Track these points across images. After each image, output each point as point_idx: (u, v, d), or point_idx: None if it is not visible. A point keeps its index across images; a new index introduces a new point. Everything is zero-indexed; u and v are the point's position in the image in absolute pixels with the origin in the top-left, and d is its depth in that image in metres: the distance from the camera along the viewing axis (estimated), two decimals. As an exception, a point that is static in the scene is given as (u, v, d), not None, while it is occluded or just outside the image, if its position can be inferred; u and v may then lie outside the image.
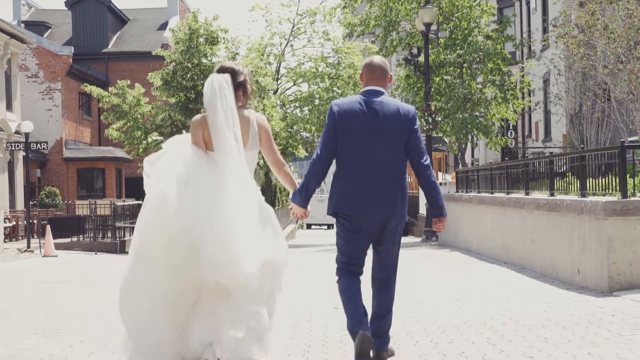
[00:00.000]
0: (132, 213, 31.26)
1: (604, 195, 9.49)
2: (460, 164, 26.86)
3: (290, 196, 5.63)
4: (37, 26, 43.32)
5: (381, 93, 5.52)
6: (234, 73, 5.41)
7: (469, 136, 24.43)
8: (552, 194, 11.18)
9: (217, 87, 5.32)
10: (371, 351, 5.33)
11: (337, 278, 5.56)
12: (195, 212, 5.07)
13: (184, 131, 27.21)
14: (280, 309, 5.30)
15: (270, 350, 5.18)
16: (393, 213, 5.42)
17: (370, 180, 5.39)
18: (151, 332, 5.10)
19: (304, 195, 5.51)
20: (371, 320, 5.52)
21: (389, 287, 5.64)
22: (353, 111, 5.44)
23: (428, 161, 5.54)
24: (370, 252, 5.60)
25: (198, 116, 5.45)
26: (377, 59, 5.67)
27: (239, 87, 5.41)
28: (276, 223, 5.43)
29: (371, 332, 5.39)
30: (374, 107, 5.44)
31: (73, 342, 7.07)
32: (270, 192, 38.79)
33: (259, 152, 5.54)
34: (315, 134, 36.44)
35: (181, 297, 5.10)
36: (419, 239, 25.45)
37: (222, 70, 5.45)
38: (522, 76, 25.63)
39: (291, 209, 5.64)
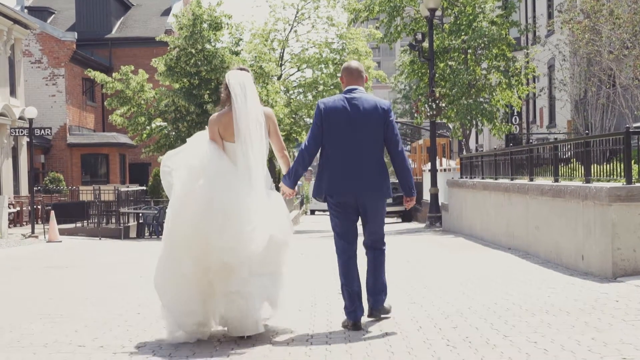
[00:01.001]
0: (136, 199, 31.33)
1: (608, 181, 9.47)
2: (464, 150, 26.81)
3: (282, 178, 6.60)
4: (41, 12, 43.26)
5: (360, 91, 6.47)
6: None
7: (474, 122, 24.36)
8: (556, 180, 11.16)
9: (246, 84, 6.16)
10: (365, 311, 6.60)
11: (337, 257, 6.57)
12: (203, 202, 5.89)
13: (187, 117, 27.24)
14: (288, 282, 6.25)
15: (277, 316, 6.22)
16: (375, 191, 6.41)
17: (354, 165, 6.33)
18: (181, 303, 5.96)
19: (292, 179, 6.50)
20: (367, 281, 6.57)
21: (380, 253, 6.61)
22: (337, 108, 6.39)
23: (402, 148, 6.51)
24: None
25: (214, 115, 6.29)
26: (354, 63, 6.65)
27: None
28: (283, 206, 6.31)
29: (367, 292, 6.59)
30: (355, 102, 6.39)
31: (77, 327, 7.09)
32: (274, 177, 38.81)
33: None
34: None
35: (203, 274, 5.95)
36: (422, 225, 25.46)
37: (243, 70, 6.29)
38: (527, 62, 25.53)
39: (280, 188, 6.58)
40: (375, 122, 6.36)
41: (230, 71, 6.29)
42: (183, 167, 6.05)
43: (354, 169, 6.32)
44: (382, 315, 6.71)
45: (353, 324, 6.43)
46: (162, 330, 6.44)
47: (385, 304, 6.72)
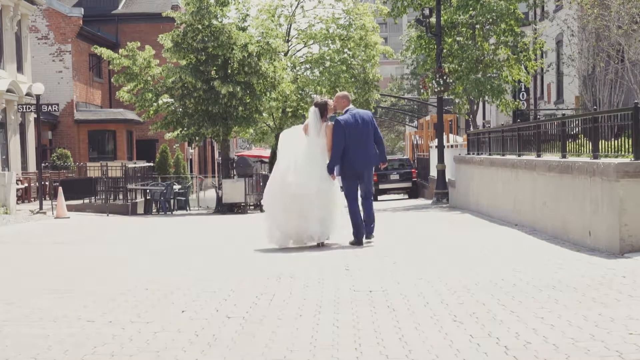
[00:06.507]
0: (143, 175, 31.36)
1: (616, 157, 9.44)
2: (471, 126, 26.72)
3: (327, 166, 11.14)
4: (47, -13, 43.07)
5: (356, 109, 11.30)
6: (321, 107, 11.17)
7: (482, 95, 24.17)
8: (564, 156, 11.13)
9: (316, 114, 11.12)
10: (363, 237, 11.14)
11: (347, 205, 11.12)
12: (293, 163, 10.95)
13: (194, 93, 27.17)
14: (340, 218, 11.10)
15: (330, 234, 11.08)
16: (370, 167, 11.27)
17: (360, 154, 11.01)
18: (280, 219, 10.95)
19: (331, 168, 11.00)
20: (364, 219, 11.01)
21: (370, 202, 11.23)
22: (350, 122, 11.00)
23: (381, 135, 11.48)
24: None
25: (306, 121, 11.43)
26: (346, 92, 11.79)
27: (324, 114, 11.17)
28: (330, 177, 11.08)
29: (365, 222, 11.06)
30: (357, 118, 11.09)
31: (86, 302, 7.14)
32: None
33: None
34: (327, 96, 36.25)
35: (283, 203, 10.88)
36: (429, 202, 25.45)
37: (316, 104, 11.22)
38: (535, 37, 25.36)
39: None
40: (370, 127, 11.09)
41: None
42: (285, 146, 11.21)
43: (362, 155, 11.00)
44: (372, 239, 11.04)
45: (358, 242, 10.92)
46: (170, 305, 6.49)
47: (374, 232, 11.15)
